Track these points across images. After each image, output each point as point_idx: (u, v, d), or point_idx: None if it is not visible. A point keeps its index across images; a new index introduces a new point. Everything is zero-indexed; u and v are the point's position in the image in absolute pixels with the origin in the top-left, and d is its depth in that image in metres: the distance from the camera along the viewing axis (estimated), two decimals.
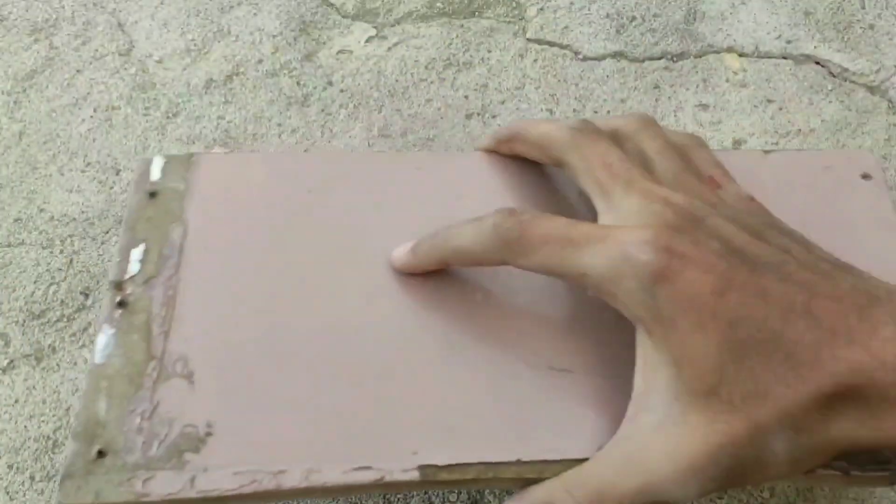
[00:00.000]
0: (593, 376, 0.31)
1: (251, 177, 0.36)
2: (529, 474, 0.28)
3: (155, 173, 0.36)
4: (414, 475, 0.28)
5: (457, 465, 0.28)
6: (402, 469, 0.28)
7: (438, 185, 0.37)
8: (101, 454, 0.29)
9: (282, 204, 0.36)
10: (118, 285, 0.33)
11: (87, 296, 0.41)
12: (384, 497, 0.35)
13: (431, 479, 0.28)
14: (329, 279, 0.34)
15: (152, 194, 0.35)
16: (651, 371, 0.26)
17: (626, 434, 0.26)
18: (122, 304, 0.32)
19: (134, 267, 0.33)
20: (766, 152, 0.38)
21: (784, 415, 0.23)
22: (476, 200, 0.37)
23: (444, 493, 0.36)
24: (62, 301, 0.41)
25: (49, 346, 0.40)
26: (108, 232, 0.43)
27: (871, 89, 0.49)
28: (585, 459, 0.28)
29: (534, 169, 0.37)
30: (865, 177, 0.38)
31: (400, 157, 0.39)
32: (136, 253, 0.34)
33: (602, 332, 0.33)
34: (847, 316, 0.24)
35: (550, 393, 0.30)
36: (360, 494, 0.33)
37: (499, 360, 0.31)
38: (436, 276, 0.34)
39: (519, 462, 0.28)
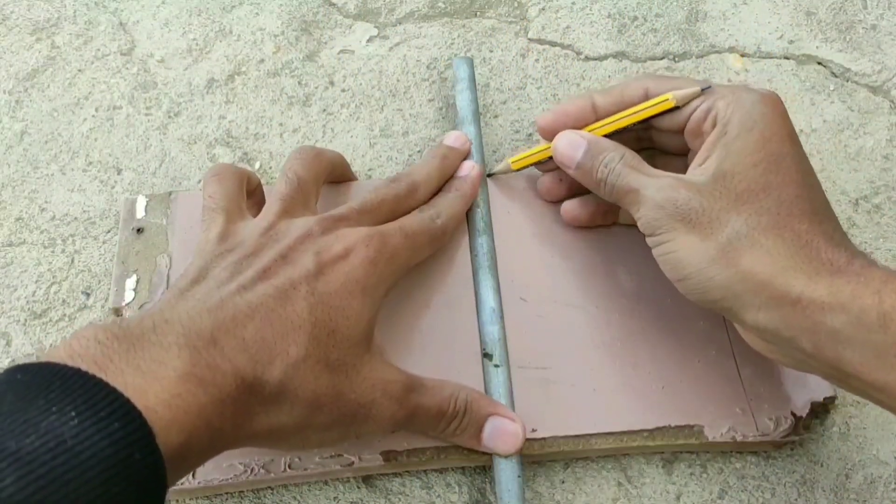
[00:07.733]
0: (526, 368, 0.36)
1: None
2: (472, 456, 0.34)
3: (140, 211, 0.41)
4: (378, 460, 0.34)
5: (413, 449, 0.34)
6: (368, 455, 0.34)
7: None
8: None
9: None
10: (117, 311, 0.38)
11: (88, 295, 0.41)
12: (387, 498, 0.35)
13: (393, 461, 0.34)
14: None
15: (139, 230, 0.40)
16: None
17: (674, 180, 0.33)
18: None
19: (129, 295, 0.38)
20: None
21: None
22: None
23: (445, 493, 0.36)
24: (64, 300, 0.41)
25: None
26: (109, 231, 0.43)
27: (874, 89, 0.49)
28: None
29: None
30: None
31: (345, 187, 0.42)
32: (130, 282, 0.39)
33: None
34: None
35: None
36: (337, 479, 0.36)
37: (442, 353, 0.37)
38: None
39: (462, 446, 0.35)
